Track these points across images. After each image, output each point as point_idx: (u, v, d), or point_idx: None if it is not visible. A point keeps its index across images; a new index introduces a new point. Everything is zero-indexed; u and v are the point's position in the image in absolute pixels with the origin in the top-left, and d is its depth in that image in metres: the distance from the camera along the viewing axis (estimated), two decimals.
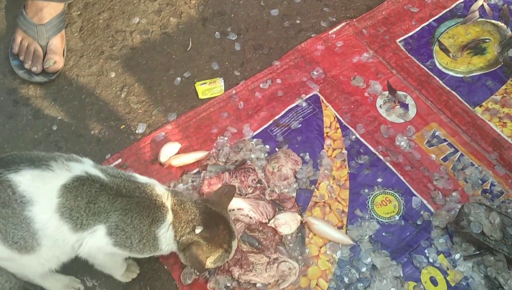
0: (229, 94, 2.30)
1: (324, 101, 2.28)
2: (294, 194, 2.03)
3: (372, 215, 1.98)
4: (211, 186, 1.97)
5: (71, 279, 1.84)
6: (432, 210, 1.99)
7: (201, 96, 2.31)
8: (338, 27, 2.51)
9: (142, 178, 1.64)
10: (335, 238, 1.91)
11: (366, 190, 2.04)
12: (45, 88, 2.32)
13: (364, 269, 1.86)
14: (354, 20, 2.54)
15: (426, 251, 1.90)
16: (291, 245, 1.92)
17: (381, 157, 2.12)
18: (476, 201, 1.92)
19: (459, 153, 2.13)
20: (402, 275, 1.85)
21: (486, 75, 2.34)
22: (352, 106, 2.27)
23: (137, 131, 2.21)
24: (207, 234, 1.59)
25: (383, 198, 2.02)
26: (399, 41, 2.46)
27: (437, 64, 2.38)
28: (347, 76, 2.36)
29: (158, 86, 2.35)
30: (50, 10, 2.34)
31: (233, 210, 1.89)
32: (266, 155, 2.12)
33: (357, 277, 1.85)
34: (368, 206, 2.00)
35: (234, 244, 1.67)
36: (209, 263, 1.63)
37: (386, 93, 2.30)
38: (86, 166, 1.55)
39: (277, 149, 2.14)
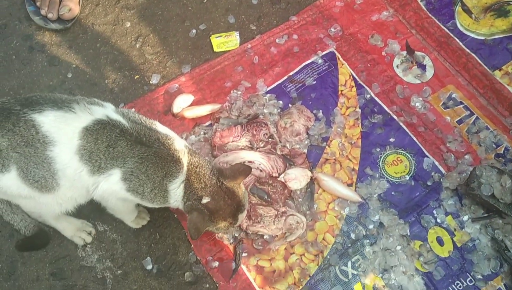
0: (244, 48, 2.28)
1: (340, 58, 2.25)
2: (305, 150, 2.03)
3: (383, 174, 1.98)
4: (222, 139, 1.98)
5: (83, 223, 1.89)
6: (443, 171, 1.99)
7: (216, 49, 2.29)
8: None
9: (163, 129, 1.64)
10: (344, 195, 1.92)
11: (378, 149, 2.03)
12: (61, 35, 2.31)
13: (371, 226, 1.88)
14: None
15: (434, 211, 1.90)
16: (299, 199, 1.93)
17: (395, 117, 2.10)
18: (488, 164, 1.90)
19: (474, 116, 2.10)
20: (408, 233, 1.86)
21: (508, 38, 2.27)
22: (369, 65, 2.23)
23: (151, 82, 2.21)
24: (213, 206, 1.59)
25: (394, 157, 2.02)
26: (421, 0, 2.39)
27: (458, 25, 2.32)
28: (365, 34, 2.32)
29: (173, 37, 2.33)
30: None
31: (244, 162, 1.90)
32: (279, 110, 2.11)
33: (364, 233, 1.87)
34: (379, 165, 2.00)
35: (241, 217, 1.67)
36: (211, 229, 1.65)
37: (404, 53, 2.26)
38: (107, 110, 1.56)
39: (290, 105, 2.13)
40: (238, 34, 2.32)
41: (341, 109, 2.12)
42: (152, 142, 1.54)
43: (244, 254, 1.83)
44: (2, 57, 2.25)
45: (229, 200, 1.60)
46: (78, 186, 1.56)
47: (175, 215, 1.91)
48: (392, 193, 1.94)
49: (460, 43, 2.26)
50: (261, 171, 1.90)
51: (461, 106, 2.13)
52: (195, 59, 2.27)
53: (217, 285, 1.80)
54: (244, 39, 2.32)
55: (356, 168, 2.00)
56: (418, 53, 2.25)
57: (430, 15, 2.35)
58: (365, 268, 1.80)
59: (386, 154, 2.02)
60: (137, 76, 2.23)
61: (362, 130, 2.08)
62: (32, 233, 1.79)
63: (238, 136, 1.99)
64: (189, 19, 2.38)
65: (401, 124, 2.09)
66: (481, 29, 2.30)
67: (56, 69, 2.23)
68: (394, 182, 1.97)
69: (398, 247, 1.83)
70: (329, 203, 1.93)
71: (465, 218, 1.89)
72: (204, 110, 2.09)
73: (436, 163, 2.00)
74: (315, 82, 2.18)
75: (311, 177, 1.95)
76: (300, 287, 1.78)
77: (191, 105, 2.12)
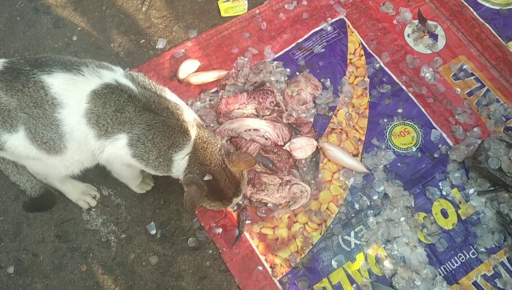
0: (252, 13, 2.23)
1: (350, 26, 2.20)
2: (312, 119, 2.01)
3: (389, 145, 1.96)
4: (228, 106, 1.96)
5: (87, 186, 1.89)
6: (451, 144, 1.96)
7: (223, 14, 2.24)
8: None
9: (172, 97, 1.62)
10: (349, 165, 1.91)
11: (385, 120, 2.01)
12: None
13: (375, 197, 1.87)
14: None
15: (440, 184, 1.89)
16: (304, 169, 1.92)
17: (404, 87, 2.07)
18: (497, 138, 1.87)
19: (485, 89, 2.06)
20: (413, 205, 1.85)
21: None
22: (379, 34, 2.18)
23: (157, 46, 2.17)
24: (213, 185, 1.58)
25: (401, 129, 1.99)
26: None
27: None
28: (376, 2, 2.25)
29: (180, 1, 2.29)
30: None
31: (249, 130, 1.89)
32: (286, 78, 2.08)
33: (368, 204, 1.86)
34: (386, 136, 1.98)
35: (236, 200, 1.68)
36: (205, 205, 1.65)
37: (416, 22, 2.20)
38: (116, 75, 1.54)
39: (297, 73, 2.10)
40: None
41: (349, 78, 2.08)
42: (161, 110, 1.53)
43: (247, 222, 1.84)
44: (7, 18, 2.22)
45: (229, 183, 1.60)
46: (85, 149, 1.56)
47: (179, 182, 1.91)
48: (398, 164, 1.93)
49: (474, 13, 2.19)
50: (266, 139, 1.89)
51: (472, 77, 2.08)
52: (202, 24, 2.23)
53: (220, 251, 1.81)
54: (252, 4, 2.27)
55: (363, 138, 1.98)
56: (430, 22, 2.19)
57: None
58: (368, 239, 1.81)
59: (394, 125, 2.00)
60: (143, 40, 2.19)
61: (370, 100, 2.05)
62: (38, 195, 1.81)
63: (244, 103, 1.96)
64: None
65: (410, 94, 2.05)
66: None
67: (61, 31, 2.20)
68: (401, 153, 1.95)
69: (402, 219, 1.82)
70: (334, 173, 1.92)
71: (471, 191, 1.87)
72: (210, 76, 2.06)
73: (444, 135, 1.98)
74: (323, 50, 2.14)
75: (317, 147, 1.93)
76: (303, 255, 1.79)
77: (197, 71, 2.09)
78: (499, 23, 2.16)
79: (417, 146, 1.96)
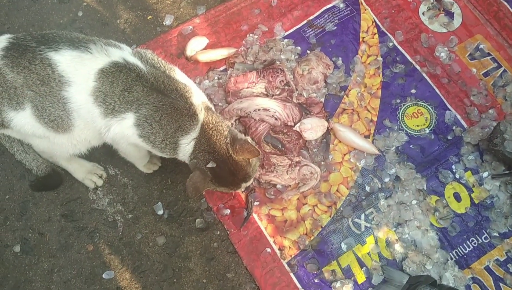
0: None
1: (363, 3, 2.13)
2: (323, 99, 1.96)
3: (401, 127, 1.92)
4: (237, 84, 1.91)
5: (94, 165, 1.87)
6: (465, 126, 1.91)
7: None
8: None
9: (182, 77, 1.58)
10: (360, 146, 1.87)
11: (398, 101, 1.95)
12: None
13: (387, 180, 1.83)
14: None
15: (453, 166, 1.85)
16: (314, 150, 1.88)
17: (417, 67, 2.01)
18: None
19: (502, 69, 2.00)
20: (425, 188, 1.81)
21: None
22: (393, 11, 2.12)
23: (164, 23, 2.12)
24: (217, 172, 1.56)
25: (415, 110, 1.94)
26: None
27: None
28: None
29: None
30: None
31: (259, 110, 1.84)
32: (296, 56, 2.03)
33: (379, 186, 1.83)
34: (398, 117, 1.93)
35: (245, 185, 1.65)
36: (212, 188, 1.64)
37: None
38: (125, 53, 1.50)
39: (308, 52, 2.04)
40: None
41: (361, 57, 2.03)
42: (170, 91, 1.49)
43: (256, 203, 1.81)
44: None
45: (234, 171, 1.57)
46: (92, 127, 1.53)
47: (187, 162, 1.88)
48: (411, 146, 1.88)
49: None
50: (276, 119, 1.85)
51: (488, 57, 2.02)
52: (211, 0, 2.17)
53: (228, 232, 1.79)
54: None
55: (375, 119, 1.93)
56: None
57: None
58: (378, 221, 1.78)
59: (407, 106, 1.94)
60: (150, 17, 2.14)
61: (382, 80, 1.99)
62: (44, 174, 1.78)
63: (254, 82, 1.92)
64: None
65: (424, 75, 1.99)
66: None
67: (66, 6, 2.15)
68: (413, 135, 1.90)
69: (414, 202, 1.79)
70: (344, 155, 1.88)
71: (485, 174, 1.83)
72: (218, 54, 2.01)
73: (458, 116, 1.93)
74: (335, 27, 2.08)
75: (327, 127, 1.89)
76: (312, 238, 1.77)
77: (205, 48, 2.04)
78: None
79: (430, 128, 1.91)
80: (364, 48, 2.04)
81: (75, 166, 1.83)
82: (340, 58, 2.02)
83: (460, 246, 1.75)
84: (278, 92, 1.92)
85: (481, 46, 2.04)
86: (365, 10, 2.12)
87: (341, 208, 1.80)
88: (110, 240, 1.80)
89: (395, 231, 1.76)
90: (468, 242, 1.75)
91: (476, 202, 1.80)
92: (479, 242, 1.75)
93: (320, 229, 1.78)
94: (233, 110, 1.86)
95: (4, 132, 1.61)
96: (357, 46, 2.05)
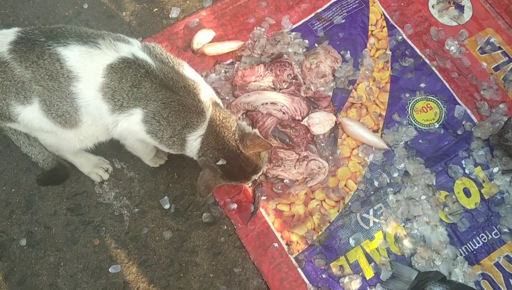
0: None
1: None
2: (331, 93, 1.94)
3: (411, 121, 1.89)
4: (244, 78, 1.89)
5: (100, 159, 1.85)
6: (475, 120, 1.89)
7: None
8: None
9: (191, 73, 1.55)
10: (369, 141, 1.85)
11: (407, 95, 1.93)
12: None
13: (395, 175, 1.82)
14: None
15: (463, 162, 1.83)
16: (322, 144, 1.86)
17: (427, 61, 1.98)
18: None
19: None
20: (434, 183, 1.79)
21: None
22: (402, 4, 2.09)
23: (170, 16, 2.10)
24: (227, 169, 1.54)
25: (424, 104, 1.92)
26: None
27: None
28: None
29: None
30: None
31: (266, 104, 1.82)
32: (304, 50, 2.00)
33: (388, 181, 1.81)
34: (407, 112, 1.91)
35: (255, 176, 1.64)
36: (223, 184, 1.62)
37: None
38: (134, 48, 1.48)
39: (316, 45, 2.01)
40: None
41: (370, 50, 2.00)
42: (179, 88, 1.47)
43: (263, 198, 1.80)
44: None
45: (245, 166, 1.56)
46: (100, 123, 1.52)
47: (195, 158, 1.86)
48: (420, 141, 1.86)
49: None
50: (284, 113, 1.83)
51: (499, 51, 1.99)
52: None
53: (234, 227, 1.78)
54: None
55: (383, 113, 1.91)
56: None
57: None
58: (387, 217, 1.76)
59: (416, 100, 1.92)
60: (156, 9, 2.12)
61: (391, 73, 1.97)
62: (50, 167, 1.77)
63: (261, 76, 1.90)
64: None
65: (433, 68, 1.97)
66: None
67: None
68: (422, 130, 1.88)
69: (423, 197, 1.77)
70: (353, 149, 1.86)
71: (495, 169, 1.81)
72: (225, 47, 1.99)
73: (468, 111, 1.90)
74: (344, 20, 2.05)
75: (336, 122, 1.87)
76: (320, 233, 1.75)
77: (212, 41, 2.02)
78: None
79: (440, 123, 1.89)
80: (373, 41, 2.02)
81: (81, 160, 1.81)
82: (348, 52, 1.99)
83: (470, 242, 1.73)
84: (285, 86, 1.90)
85: (491, 40, 2.01)
86: (374, 3, 2.09)
87: (349, 203, 1.79)
88: (116, 234, 1.79)
89: (403, 226, 1.75)
90: (477, 238, 1.73)
91: (486, 197, 1.78)
92: (489, 238, 1.73)
93: (328, 224, 1.76)
94: (240, 104, 1.85)
95: (11, 125, 1.60)
96: (365, 39, 2.02)
